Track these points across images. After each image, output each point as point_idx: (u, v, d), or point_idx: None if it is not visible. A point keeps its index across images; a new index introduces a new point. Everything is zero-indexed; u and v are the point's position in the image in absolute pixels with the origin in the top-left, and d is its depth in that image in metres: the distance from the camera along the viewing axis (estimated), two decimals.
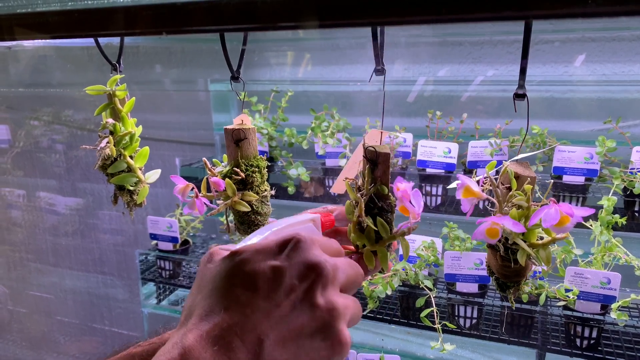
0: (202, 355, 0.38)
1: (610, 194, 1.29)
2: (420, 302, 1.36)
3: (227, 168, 0.74)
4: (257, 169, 0.73)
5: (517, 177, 0.58)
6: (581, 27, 1.54)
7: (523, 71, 0.60)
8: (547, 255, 0.55)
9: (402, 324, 1.45)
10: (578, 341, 1.29)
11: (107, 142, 0.89)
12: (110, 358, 0.63)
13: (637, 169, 1.30)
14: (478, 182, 0.59)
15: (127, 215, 0.97)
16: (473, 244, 1.38)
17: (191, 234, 1.87)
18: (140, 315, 1.91)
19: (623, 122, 1.39)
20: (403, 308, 1.47)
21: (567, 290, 1.26)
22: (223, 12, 0.57)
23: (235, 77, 0.78)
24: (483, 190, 0.58)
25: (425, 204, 1.55)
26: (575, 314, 1.28)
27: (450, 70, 1.72)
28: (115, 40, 0.94)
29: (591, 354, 1.27)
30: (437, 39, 1.72)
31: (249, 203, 0.73)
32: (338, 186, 0.71)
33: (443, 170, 1.49)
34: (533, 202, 0.56)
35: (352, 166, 0.70)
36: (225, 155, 0.76)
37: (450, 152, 1.48)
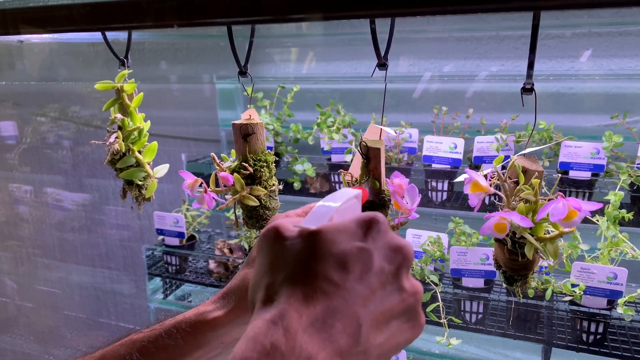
0: (306, 339, 0.37)
1: (617, 189, 1.28)
2: (426, 297, 1.36)
3: (236, 163, 0.75)
4: (265, 164, 0.73)
5: (525, 171, 0.58)
6: (588, 22, 1.54)
7: (531, 65, 0.60)
8: (554, 249, 0.55)
9: None
10: (584, 336, 1.29)
11: (116, 137, 0.90)
12: (112, 344, 0.63)
13: None
14: (485, 176, 0.59)
15: (134, 210, 0.97)
16: (479, 239, 1.38)
17: (197, 230, 1.88)
18: (147, 310, 1.92)
19: (630, 117, 1.39)
20: None
21: (573, 286, 1.26)
22: (231, 4, 0.57)
23: (242, 72, 0.78)
24: (491, 185, 0.58)
25: (430, 199, 1.55)
26: (581, 309, 1.28)
27: (456, 65, 1.72)
28: (122, 36, 0.94)
29: (597, 349, 1.27)
30: (443, 35, 1.72)
31: (258, 197, 0.73)
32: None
33: (449, 166, 1.49)
34: (540, 196, 0.56)
35: (358, 162, 0.71)
36: (233, 151, 0.77)
37: (456, 147, 1.48)
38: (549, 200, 0.54)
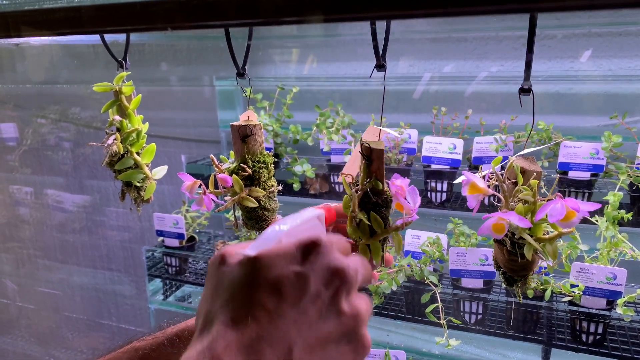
0: None
1: (616, 190, 1.28)
2: (425, 297, 1.36)
3: (234, 164, 0.75)
4: (263, 165, 0.73)
5: (523, 172, 0.58)
6: (587, 22, 1.54)
7: (528, 65, 0.60)
8: (553, 249, 0.55)
9: (407, 319, 1.46)
10: (584, 336, 1.29)
11: (114, 139, 0.90)
12: (114, 351, 0.63)
13: None
14: (484, 177, 0.59)
15: (134, 212, 0.97)
16: (478, 239, 1.38)
17: (197, 231, 1.89)
18: (147, 312, 1.92)
19: (629, 118, 1.39)
20: (408, 304, 1.47)
21: (572, 286, 1.26)
22: (227, 6, 0.57)
23: (240, 74, 0.78)
24: (489, 186, 0.58)
25: (430, 200, 1.55)
26: (580, 309, 1.28)
27: (455, 66, 1.72)
28: (121, 37, 0.94)
29: (597, 350, 1.27)
30: (442, 35, 1.72)
31: (257, 199, 0.74)
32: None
33: (448, 166, 1.49)
34: (539, 197, 0.57)
35: (354, 162, 0.71)
36: (232, 152, 0.77)
37: (455, 148, 1.48)
38: (548, 200, 0.54)
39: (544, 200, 0.55)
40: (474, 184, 0.55)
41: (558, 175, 0.79)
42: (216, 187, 0.76)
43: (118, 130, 0.91)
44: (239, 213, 0.80)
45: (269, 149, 1.74)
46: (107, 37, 0.92)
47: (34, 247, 2.12)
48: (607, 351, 1.26)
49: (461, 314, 1.41)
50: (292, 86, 1.74)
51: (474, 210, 0.56)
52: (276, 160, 1.74)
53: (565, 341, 1.31)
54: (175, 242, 1.78)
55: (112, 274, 2.13)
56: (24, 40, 1.49)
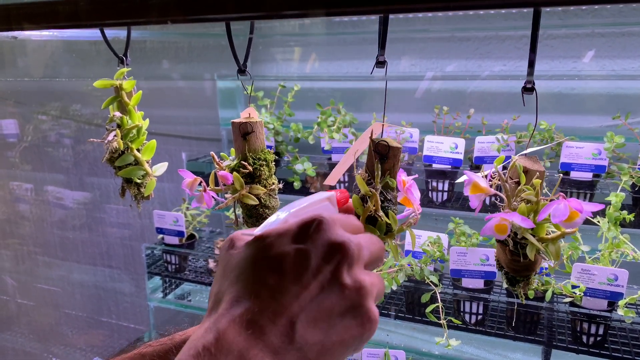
0: (236, 339, 0.39)
1: (619, 190, 1.28)
2: (425, 297, 1.36)
3: (235, 162, 0.74)
4: (264, 163, 0.73)
5: (526, 171, 0.58)
6: (590, 23, 1.53)
7: (531, 64, 0.60)
8: (556, 249, 0.54)
9: (407, 319, 1.46)
10: (584, 338, 1.29)
11: (115, 135, 0.90)
12: (120, 356, 0.63)
13: None
14: (486, 177, 0.58)
15: (134, 209, 0.97)
16: (479, 239, 1.37)
17: (197, 228, 1.88)
18: (147, 309, 1.92)
19: (632, 118, 1.38)
20: (408, 303, 1.47)
21: (573, 287, 1.25)
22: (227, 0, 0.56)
23: (242, 70, 0.78)
24: (491, 186, 0.57)
25: (431, 199, 1.54)
26: (581, 310, 1.27)
27: (457, 65, 1.72)
28: (122, 34, 0.94)
29: (597, 351, 1.27)
30: (445, 34, 1.71)
31: (257, 196, 0.73)
32: (332, 178, 0.72)
33: (449, 166, 1.49)
34: (541, 197, 0.56)
35: (349, 158, 0.70)
36: (232, 149, 0.77)
37: (457, 147, 1.47)
38: (551, 201, 0.53)
39: (546, 200, 0.55)
40: (476, 184, 0.55)
41: (561, 175, 0.78)
42: (217, 184, 0.76)
43: (118, 126, 0.90)
44: (239, 211, 0.80)
45: (269, 147, 1.73)
46: (108, 33, 0.91)
47: (34, 244, 2.12)
48: (607, 353, 1.25)
49: (461, 314, 1.41)
50: (294, 84, 1.73)
51: (476, 210, 0.56)
52: (277, 158, 1.74)
53: (566, 342, 1.30)
54: (175, 240, 1.78)
55: (111, 272, 2.12)
56: (25, 34, 1.49)
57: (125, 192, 0.97)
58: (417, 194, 0.56)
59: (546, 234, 0.56)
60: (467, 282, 1.39)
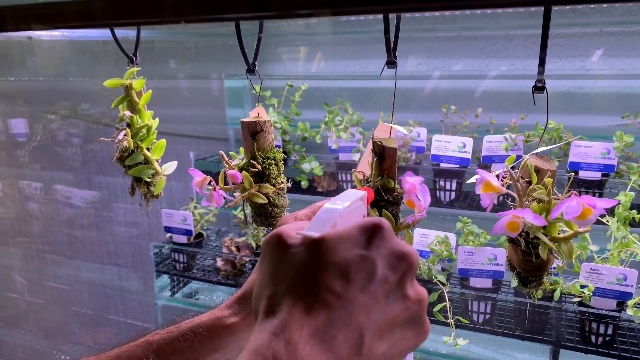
0: (307, 349, 0.37)
1: (628, 190, 1.27)
2: (433, 296, 1.36)
3: (244, 161, 0.75)
4: (273, 162, 0.73)
5: (538, 170, 0.57)
6: (599, 21, 1.52)
7: (542, 62, 0.60)
8: (569, 249, 0.54)
9: None
10: (593, 338, 1.28)
11: (125, 135, 0.90)
12: (127, 344, 0.64)
13: None
14: (497, 176, 0.58)
15: (142, 208, 0.98)
16: (487, 239, 1.37)
17: (205, 227, 1.89)
18: (154, 308, 1.93)
19: None
20: None
21: (582, 287, 1.25)
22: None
23: (251, 70, 0.78)
24: (503, 185, 0.57)
25: (439, 199, 1.54)
26: (590, 310, 1.27)
27: (464, 64, 1.71)
28: (132, 33, 0.95)
29: (606, 351, 1.26)
30: (452, 34, 1.71)
31: (266, 195, 0.73)
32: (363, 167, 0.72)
33: (457, 165, 1.48)
34: (553, 196, 0.56)
35: (367, 160, 0.70)
36: (242, 148, 0.77)
37: (464, 146, 1.47)
38: (563, 199, 0.53)
39: (558, 199, 0.55)
40: (489, 182, 0.55)
41: (572, 174, 0.77)
42: (225, 183, 0.76)
43: (128, 125, 0.91)
44: (248, 209, 0.80)
45: (277, 147, 1.74)
46: (117, 32, 0.92)
47: (43, 242, 2.14)
48: (616, 353, 1.25)
49: (469, 313, 1.41)
50: (301, 83, 1.74)
51: (488, 209, 0.56)
52: (284, 157, 1.74)
53: (574, 342, 1.30)
54: (183, 239, 1.78)
55: (119, 270, 2.14)
56: (36, 34, 1.50)
57: (134, 190, 0.98)
58: (425, 197, 0.55)
59: (558, 233, 0.56)
60: (474, 282, 1.38)
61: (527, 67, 1.64)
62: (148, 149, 0.93)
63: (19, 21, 0.68)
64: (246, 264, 1.76)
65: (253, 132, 0.72)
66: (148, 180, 0.95)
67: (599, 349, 1.27)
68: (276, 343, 0.37)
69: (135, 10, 0.60)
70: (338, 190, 1.71)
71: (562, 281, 1.28)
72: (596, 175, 1.36)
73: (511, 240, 0.61)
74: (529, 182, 0.58)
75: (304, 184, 1.71)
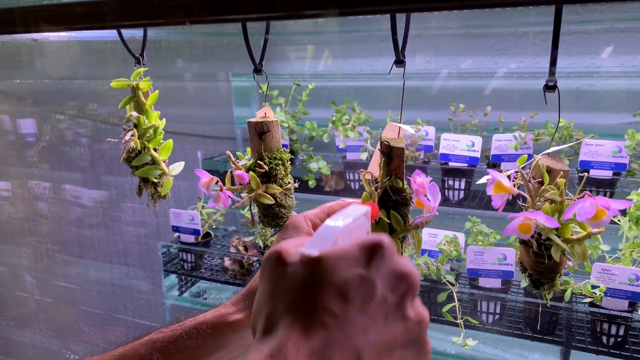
0: None
1: (639, 189, 1.25)
2: (442, 297, 1.35)
3: (251, 161, 0.74)
4: (280, 162, 0.72)
5: (549, 170, 0.56)
6: (609, 18, 1.50)
7: (553, 62, 0.59)
8: (582, 250, 0.53)
9: None
10: (604, 339, 1.27)
11: (132, 135, 0.90)
12: (131, 343, 0.64)
13: None
14: (509, 177, 0.57)
15: (150, 207, 0.98)
16: (496, 238, 1.36)
17: (213, 227, 1.89)
18: (163, 307, 1.93)
19: None
20: (424, 303, 1.45)
21: (593, 287, 1.23)
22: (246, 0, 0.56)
23: (257, 70, 0.78)
24: (514, 185, 0.56)
25: (447, 198, 1.53)
26: (601, 310, 1.25)
27: (473, 62, 1.70)
28: (138, 34, 0.94)
29: (618, 352, 1.24)
30: (460, 31, 1.69)
31: (273, 196, 0.73)
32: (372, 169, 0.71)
33: (466, 164, 1.47)
34: (565, 197, 0.55)
35: (377, 160, 0.70)
36: (248, 149, 0.77)
37: (473, 145, 1.46)
38: (576, 199, 0.52)
39: (570, 200, 0.54)
40: (500, 183, 0.54)
41: (585, 174, 0.76)
42: (232, 183, 0.76)
43: (135, 126, 0.91)
44: (255, 210, 0.80)
45: (284, 146, 1.73)
46: (124, 33, 0.92)
47: (52, 242, 2.15)
48: (628, 354, 1.23)
49: (478, 313, 1.39)
50: (308, 83, 1.73)
51: (499, 210, 0.55)
52: (292, 157, 1.74)
53: (585, 343, 1.28)
54: (191, 238, 1.79)
55: (128, 269, 2.15)
56: (42, 35, 1.50)
57: (142, 191, 0.98)
58: (435, 197, 0.55)
59: (571, 235, 0.55)
60: (484, 282, 1.37)
61: (537, 65, 1.62)
62: (155, 150, 0.93)
63: (27, 23, 0.68)
64: (254, 264, 1.76)
65: (260, 132, 0.71)
66: (155, 180, 0.95)
67: (610, 350, 1.25)
68: None
69: (141, 12, 0.60)
70: (345, 189, 1.71)
71: (572, 281, 1.26)
72: (607, 174, 1.35)
73: (523, 241, 0.60)
74: (541, 183, 0.57)
75: (312, 183, 1.70)
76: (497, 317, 1.39)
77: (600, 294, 1.23)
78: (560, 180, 0.54)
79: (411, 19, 0.64)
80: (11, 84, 1.90)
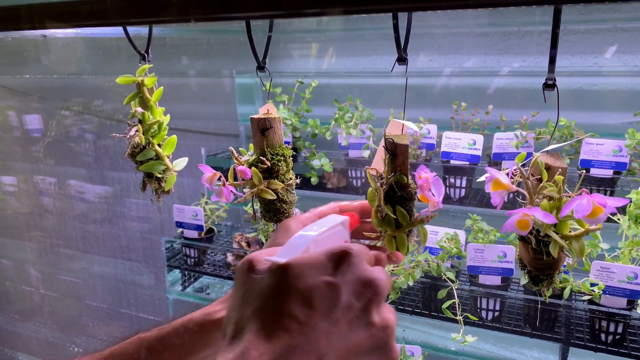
0: None
1: (639, 188, 1.26)
2: (442, 293, 1.36)
3: (253, 157, 0.75)
4: (282, 158, 0.73)
5: (548, 168, 0.57)
6: (612, 17, 1.51)
7: (552, 60, 0.60)
8: (580, 247, 0.54)
9: (423, 315, 1.46)
10: (603, 336, 1.28)
11: (136, 131, 0.91)
12: (121, 343, 0.64)
13: None
14: (507, 174, 0.58)
15: (154, 203, 0.99)
16: (497, 236, 1.37)
17: (216, 223, 1.90)
18: (166, 302, 1.95)
19: None
20: (425, 300, 1.47)
21: (592, 285, 1.24)
22: None
23: (261, 67, 0.79)
24: (513, 183, 0.57)
25: (448, 196, 1.54)
26: (600, 308, 1.26)
27: (476, 61, 1.70)
28: (144, 30, 0.96)
29: (616, 349, 1.25)
30: (463, 30, 1.70)
31: (275, 191, 0.74)
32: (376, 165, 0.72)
33: (467, 162, 1.48)
34: (564, 193, 0.56)
35: (380, 156, 0.71)
36: (251, 145, 0.78)
37: (475, 143, 1.47)
38: (573, 196, 0.53)
39: (569, 197, 0.55)
40: (498, 180, 0.55)
41: (584, 171, 0.77)
42: (235, 179, 0.77)
43: (140, 122, 0.92)
44: (257, 205, 0.81)
45: (287, 143, 1.74)
46: (130, 29, 0.93)
47: (57, 237, 2.17)
48: (626, 351, 1.24)
49: (478, 310, 1.40)
50: (311, 80, 1.74)
51: (498, 207, 0.56)
52: (294, 154, 1.75)
53: (584, 340, 1.29)
54: (194, 234, 1.80)
55: (131, 264, 2.16)
56: (50, 32, 1.52)
57: (146, 186, 0.99)
58: (439, 191, 0.56)
59: (569, 231, 0.56)
60: (484, 279, 1.38)
61: (539, 64, 1.62)
62: (159, 145, 0.95)
63: (34, 20, 0.70)
64: None
65: (262, 128, 0.73)
66: (159, 176, 0.96)
67: (609, 348, 1.26)
68: None
69: (146, 9, 0.61)
70: (347, 187, 1.72)
71: (572, 279, 1.27)
72: (608, 173, 1.35)
73: (522, 238, 0.61)
74: (540, 180, 0.57)
75: (314, 180, 1.71)
76: (496, 314, 1.40)
77: (599, 292, 1.24)
78: (558, 178, 0.55)
79: (414, 18, 0.65)
80: (19, 79, 1.92)
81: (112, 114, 1.93)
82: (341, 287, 0.41)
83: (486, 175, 0.59)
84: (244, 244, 1.78)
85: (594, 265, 1.23)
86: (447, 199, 1.54)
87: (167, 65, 1.94)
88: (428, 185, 0.57)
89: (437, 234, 1.43)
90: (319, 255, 0.43)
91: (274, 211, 0.77)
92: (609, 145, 1.34)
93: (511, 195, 0.61)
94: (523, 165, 0.61)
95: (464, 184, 1.51)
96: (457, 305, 1.31)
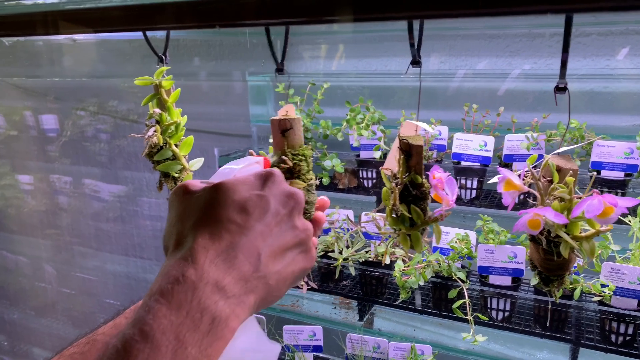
0: (212, 268, 0.44)
1: None
2: (452, 293, 1.37)
3: (274, 158, 0.77)
4: (303, 158, 0.75)
5: (559, 169, 0.59)
6: (624, 20, 1.51)
7: (564, 65, 0.61)
8: (591, 247, 0.55)
9: (434, 314, 1.47)
10: (613, 337, 1.28)
11: (154, 131, 0.94)
12: (73, 345, 0.64)
13: None
14: (519, 175, 0.60)
15: (166, 202, 1.01)
16: (507, 237, 1.38)
17: None
18: None
19: None
20: (435, 299, 1.48)
21: (603, 286, 1.25)
22: (269, 7, 0.59)
23: (279, 69, 0.81)
24: (524, 184, 0.59)
25: (459, 197, 1.55)
26: (610, 309, 1.27)
27: (487, 63, 1.71)
28: (159, 33, 0.98)
29: (626, 351, 1.26)
30: (475, 32, 1.71)
31: None
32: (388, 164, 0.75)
33: (478, 164, 1.49)
34: (574, 195, 0.57)
35: (394, 157, 0.72)
36: (270, 147, 0.79)
37: (486, 145, 1.48)
38: (584, 197, 0.54)
39: (580, 198, 0.56)
40: (510, 181, 0.56)
41: (595, 173, 0.78)
42: None
43: (158, 122, 0.94)
44: None
45: None
46: (147, 33, 0.95)
47: (71, 235, 2.20)
48: (637, 353, 1.25)
49: (488, 310, 1.41)
50: (323, 82, 1.76)
51: (509, 207, 0.57)
52: None
53: (594, 341, 1.30)
54: None
55: (144, 262, 2.19)
56: (69, 37, 1.55)
57: (162, 185, 1.01)
58: (452, 190, 0.57)
59: (579, 233, 0.57)
60: (494, 279, 1.39)
61: (550, 66, 1.63)
62: (176, 145, 0.97)
63: (59, 25, 0.72)
64: None
65: (283, 129, 0.74)
66: (175, 175, 0.98)
67: (619, 349, 1.27)
68: (184, 264, 0.44)
69: (170, 16, 0.63)
70: (358, 187, 1.73)
71: (582, 280, 1.28)
72: (619, 175, 1.36)
73: (532, 239, 0.62)
74: (551, 181, 0.59)
75: (325, 180, 1.73)
76: (506, 314, 1.41)
77: (609, 293, 1.24)
78: (569, 179, 0.56)
79: (426, 20, 0.67)
80: (34, 80, 1.95)
81: (126, 115, 1.96)
82: (270, 198, 0.50)
83: (498, 175, 0.61)
84: None
85: (605, 266, 1.24)
86: (458, 200, 1.54)
87: (181, 66, 1.97)
88: (442, 185, 0.58)
89: (448, 235, 1.44)
90: (248, 175, 0.52)
91: None
92: (620, 148, 1.34)
93: (522, 197, 0.62)
94: (534, 167, 0.62)
95: (474, 185, 1.52)
96: (467, 305, 1.33)
